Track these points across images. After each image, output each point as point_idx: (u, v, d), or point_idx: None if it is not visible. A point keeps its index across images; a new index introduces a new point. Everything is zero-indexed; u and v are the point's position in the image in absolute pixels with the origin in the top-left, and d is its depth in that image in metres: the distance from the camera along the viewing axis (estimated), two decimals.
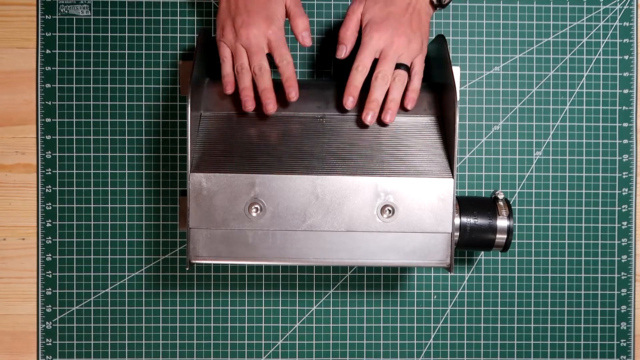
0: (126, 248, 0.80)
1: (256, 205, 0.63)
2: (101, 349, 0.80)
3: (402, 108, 0.68)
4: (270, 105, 0.65)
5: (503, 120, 0.80)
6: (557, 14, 0.80)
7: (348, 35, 0.68)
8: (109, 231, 0.80)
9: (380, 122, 0.68)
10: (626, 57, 0.80)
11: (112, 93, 0.79)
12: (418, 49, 0.67)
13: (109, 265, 0.80)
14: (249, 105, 0.66)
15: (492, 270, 0.81)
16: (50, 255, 0.80)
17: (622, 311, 0.81)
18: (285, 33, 0.67)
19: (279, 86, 0.67)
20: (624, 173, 0.80)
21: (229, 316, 0.81)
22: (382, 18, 0.66)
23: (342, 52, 0.68)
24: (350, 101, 0.67)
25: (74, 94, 0.79)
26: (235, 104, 0.69)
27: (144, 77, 0.79)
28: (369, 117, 0.66)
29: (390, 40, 0.66)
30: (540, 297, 0.81)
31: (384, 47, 0.66)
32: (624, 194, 0.81)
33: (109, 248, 0.80)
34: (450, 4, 0.78)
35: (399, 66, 0.67)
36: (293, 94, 0.66)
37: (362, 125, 0.68)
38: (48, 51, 0.79)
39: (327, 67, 0.81)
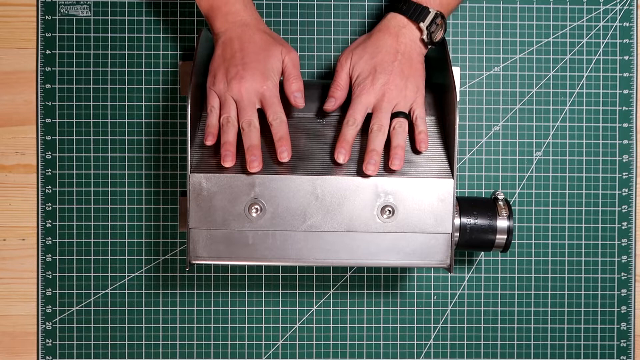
0: (126, 248, 0.80)
1: (256, 206, 0.63)
2: (101, 349, 0.80)
3: (415, 152, 0.66)
4: (255, 164, 0.62)
5: (503, 120, 0.80)
6: (557, 15, 0.80)
7: (338, 92, 0.66)
8: (109, 231, 0.80)
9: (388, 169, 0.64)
10: (626, 58, 0.80)
11: (112, 93, 0.79)
12: (413, 94, 0.65)
13: (109, 265, 0.80)
14: (229, 161, 0.62)
15: (492, 271, 0.81)
16: (50, 255, 0.80)
17: (622, 312, 0.81)
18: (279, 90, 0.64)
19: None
20: (624, 173, 0.80)
21: (229, 316, 0.81)
22: (369, 71, 0.64)
23: (331, 105, 0.66)
24: (342, 155, 0.63)
25: (74, 94, 0.79)
26: None
27: (144, 77, 0.79)
28: (371, 168, 0.62)
29: (380, 93, 0.64)
30: (540, 297, 0.81)
31: (375, 101, 0.64)
32: (624, 194, 0.80)
33: (109, 248, 0.80)
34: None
35: (397, 115, 0.64)
36: (285, 154, 0.63)
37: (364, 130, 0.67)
38: (48, 52, 0.79)
39: (329, 69, 0.81)
